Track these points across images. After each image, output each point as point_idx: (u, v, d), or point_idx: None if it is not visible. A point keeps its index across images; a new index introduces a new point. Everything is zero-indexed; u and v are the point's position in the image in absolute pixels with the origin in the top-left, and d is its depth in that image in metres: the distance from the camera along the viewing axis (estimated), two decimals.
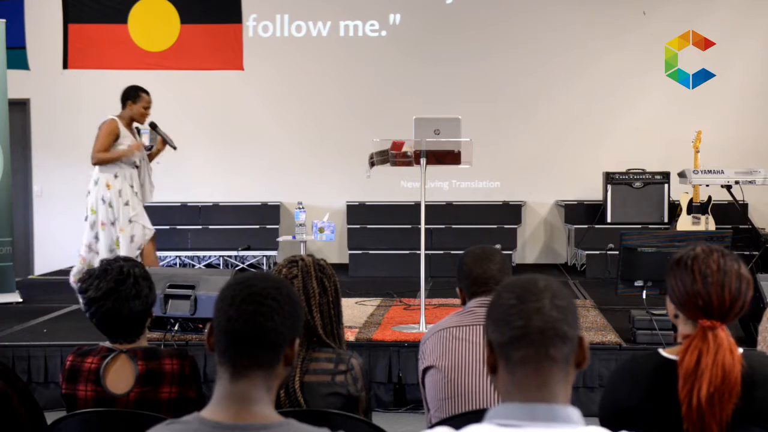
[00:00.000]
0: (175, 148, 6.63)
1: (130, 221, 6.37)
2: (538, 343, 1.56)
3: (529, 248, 10.03)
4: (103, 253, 6.26)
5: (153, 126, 6.56)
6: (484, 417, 1.57)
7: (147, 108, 6.45)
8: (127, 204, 6.38)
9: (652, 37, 9.74)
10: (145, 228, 6.45)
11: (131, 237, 6.38)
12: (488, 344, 1.63)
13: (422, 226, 5.74)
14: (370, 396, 2.73)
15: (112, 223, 6.35)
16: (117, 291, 2.63)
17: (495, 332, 1.60)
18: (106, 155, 6.33)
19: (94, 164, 6.37)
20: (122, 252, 6.27)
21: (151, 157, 6.63)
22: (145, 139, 6.67)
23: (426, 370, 2.87)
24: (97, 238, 6.40)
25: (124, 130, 6.39)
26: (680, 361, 2.10)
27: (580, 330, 1.63)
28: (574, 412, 1.55)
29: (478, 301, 2.88)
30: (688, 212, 8.49)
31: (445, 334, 2.84)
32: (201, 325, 5.17)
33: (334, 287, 2.69)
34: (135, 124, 6.56)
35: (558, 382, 1.57)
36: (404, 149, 5.67)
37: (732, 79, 9.69)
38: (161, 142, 6.59)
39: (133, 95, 6.42)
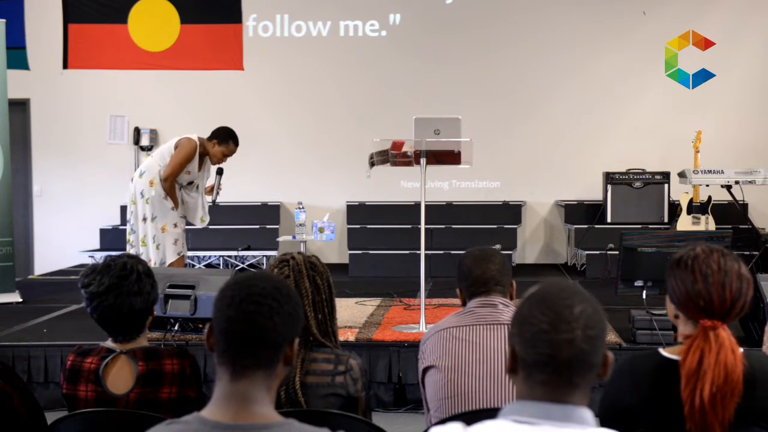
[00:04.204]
0: (213, 202, 6.57)
1: (175, 225, 6.27)
2: (563, 371, 1.56)
3: (529, 248, 10.02)
4: (137, 248, 6.21)
5: (219, 172, 6.50)
6: (499, 414, 1.58)
7: (227, 156, 6.37)
8: (172, 209, 6.28)
9: (652, 37, 9.73)
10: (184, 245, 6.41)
11: (175, 240, 6.29)
12: (511, 349, 1.62)
13: (422, 226, 5.74)
14: (370, 396, 2.72)
15: (144, 220, 6.24)
16: (119, 286, 2.63)
17: (520, 347, 1.59)
18: (172, 187, 6.24)
19: (164, 182, 6.19)
20: (166, 252, 6.22)
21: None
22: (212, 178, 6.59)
23: (426, 370, 2.87)
24: (133, 230, 6.31)
25: (196, 157, 6.28)
26: (682, 361, 2.10)
27: (606, 348, 1.62)
28: (588, 414, 1.56)
29: (478, 301, 2.88)
30: (688, 212, 8.48)
31: (445, 334, 2.84)
32: (201, 325, 5.17)
33: (327, 284, 2.69)
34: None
35: (578, 397, 1.58)
36: (404, 149, 5.66)
37: (732, 79, 9.69)
38: (211, 188, 6.54)
39: (224, 138, 6.31)
